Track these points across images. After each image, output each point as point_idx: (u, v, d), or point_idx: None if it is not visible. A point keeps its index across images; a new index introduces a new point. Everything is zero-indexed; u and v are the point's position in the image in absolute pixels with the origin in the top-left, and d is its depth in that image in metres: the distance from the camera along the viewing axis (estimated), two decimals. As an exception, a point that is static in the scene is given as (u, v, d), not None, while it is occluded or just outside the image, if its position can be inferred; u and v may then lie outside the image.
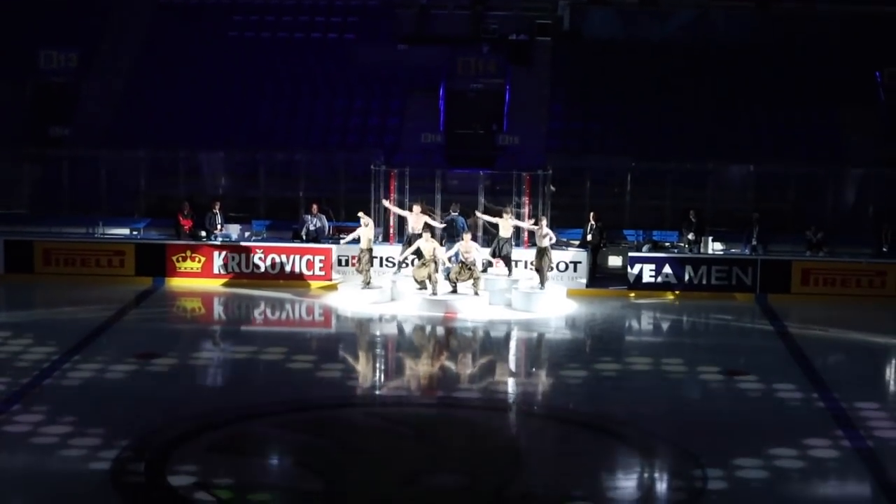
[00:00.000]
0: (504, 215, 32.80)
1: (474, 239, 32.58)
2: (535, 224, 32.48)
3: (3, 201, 39.78)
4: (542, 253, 31.95)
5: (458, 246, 31.78)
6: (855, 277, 33.99)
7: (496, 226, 32.86)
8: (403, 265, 33.14)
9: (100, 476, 18.42)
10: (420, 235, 31.89)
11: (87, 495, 17.74)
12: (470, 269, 31.38)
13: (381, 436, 21.23)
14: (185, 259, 34.46)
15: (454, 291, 31.62)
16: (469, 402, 23.75)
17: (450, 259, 32.28)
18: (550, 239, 32.08)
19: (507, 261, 32.95)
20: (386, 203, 34.11)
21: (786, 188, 39.00)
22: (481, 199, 34.54)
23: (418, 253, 32.00)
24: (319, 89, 44.71)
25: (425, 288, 31.57)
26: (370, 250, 32.39)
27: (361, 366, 27.25)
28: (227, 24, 47.48)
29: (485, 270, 32.60)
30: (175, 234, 36.07)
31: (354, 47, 46.33)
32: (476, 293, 31.51)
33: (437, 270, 31.44)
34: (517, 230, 33.60)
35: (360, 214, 32.55)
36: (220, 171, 40.14)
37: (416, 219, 32.65)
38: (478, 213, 33.68)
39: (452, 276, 31.56)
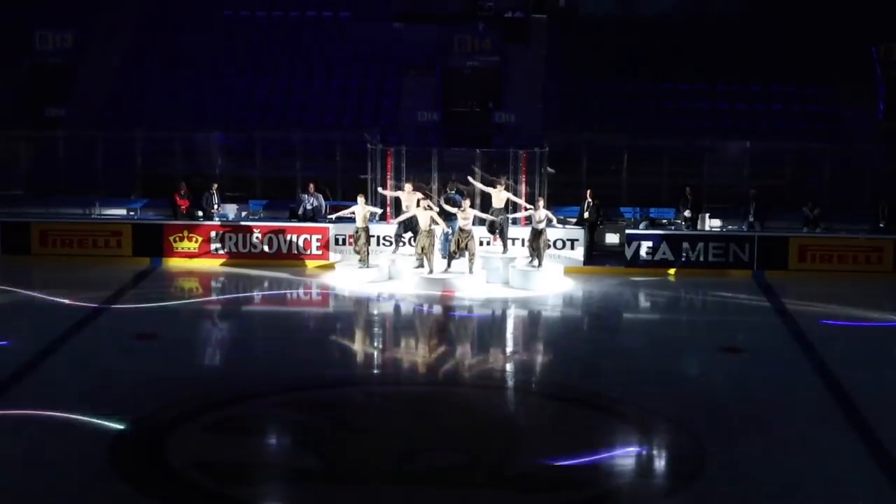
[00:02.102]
0: (497, 186, 32.78)
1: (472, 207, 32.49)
2: (531, 206, 32.41)
3: (0, 182, 39.75)
4: (538, 232, 31.91)
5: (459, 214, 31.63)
6: (852, 253, 34.01)
7: (489, 195, 32.83)
8: (401, 243, 33.17)
9: (99, 457, 18.44)
10: (414, 214, 31.90)
11: (86, 476, 17.75)
12: (468, 235, 31.19)
13: (380, 415, 21.25)
14: (182, 239, 34.46)
15: (454, 258, 31.46)
16: (468, 381, 23.78)
17: (446, 235, 32.32)
18: (550, 221, 32.06)
19: (503, 237, 32.95)
20: (381, 190, 34.08)
21: (783, 164, 39.00)
22: (476, 170, 34.43)
23: (413, 228, 32.04)
24: (315, 68, 44.67)
25: (423, 258, 31.42)
26: (367, 229, 32.36)
27: (359, 345, 27.28)
28: (222, 3, 47.40)
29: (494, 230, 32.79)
30: (172, 214, 36.05)
31: (350, 26, 46.27)
32: (471, 271, 31.49)
33: (432, 245, 31.34)
34: (511, 202, 33.44)
35: (360, 196, 32.58)
36: (217, 151, 40.10)
37: (408, 197, 32.66)
38: (472, 181, 33.59)
39: (453, 246, 31.48)
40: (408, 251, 32.90)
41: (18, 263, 33.85)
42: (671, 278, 33.68)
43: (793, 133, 40.28)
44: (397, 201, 33.97)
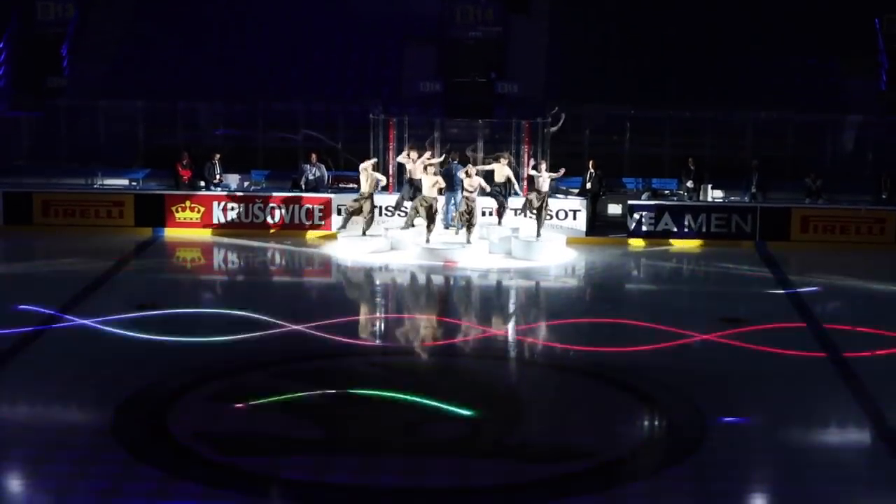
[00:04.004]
0: (501, 160, 32.69)
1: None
2: (535, 169, 32.37)
3: (2, 153, 39.71)
4: (541, 198, 31.84)
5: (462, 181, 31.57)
6: (854, 224, 34.01)
7: (492, 174, 32.70)
8: (411, 225, 32.97)
9: (101, 425, 18.48)
10: (419, 180, 31.85)
11: (87, 445, 17.80)
12: (470, 206, 31.14)
13: (381, 385, 21.27)
14: (184, 209, 34.44)
15: (468, 222, 31.35)
16: (470, 351, 23.79)
17: (448, 206, 32.32)
18: (553, 180, 32.10)
19: (501, 210, 32.89)
20: (398, 159, 33.75)
21: (785, 135, 38.96)
22: (478, 147, 34.38)
23: (415, 197, 32.07)
24: (317, 38, 44.54)
25: (416, 218, 31.38)
26: (371, 196, 32.32)
27: (362, 315, 27.29)
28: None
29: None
30: (174, 184, 36.04)
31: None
32: (468, 241, 31.44)
33: (434, 215, 31.28)
34: (513, 177, 33.39)
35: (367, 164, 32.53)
36: (219, 121, 40.06)
37: (412, 163, 32.61)
38: (476, 177, 33.06)
39: (460, 211, 31.39)
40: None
41: (21, 234, 33.82)
42: (673, 249, 33.69)
43: (795, 104, 40.18)
44: (400, 169, 33.89)
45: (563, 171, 32.98)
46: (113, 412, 19.02)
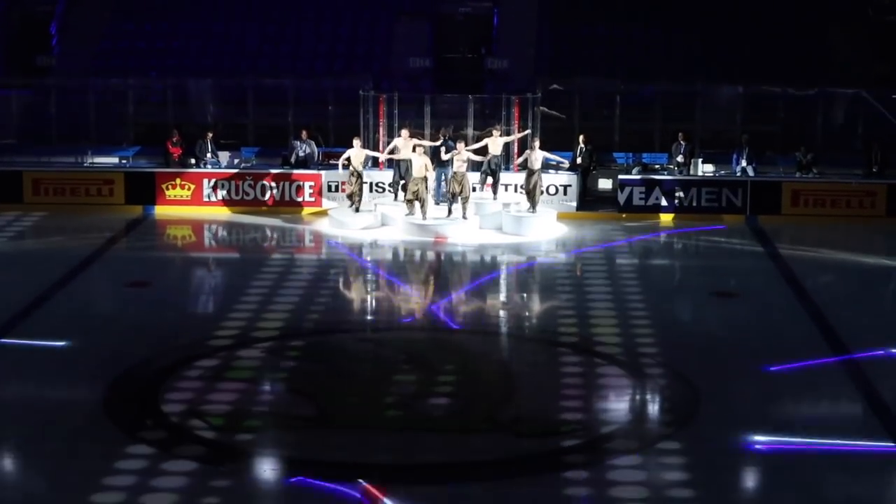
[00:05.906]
0: (494, 133, 32.64)
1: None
2: (529, 147, 32.34)
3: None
4: (532, 175, 31.84)
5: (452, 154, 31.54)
6: (845, 198, 33.99)
7: (485, 149, 32.63)
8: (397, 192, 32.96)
9: (93, 404, 18.49)
10: (409, 161, 31.79)
11: (80, 424, 17.81)
12: (460, 182, 31.08)
13: (372, 361, 21.31)
14: (174, 187, 34.38)
15: (454, 202, 31.30)
16: (461, 327, 23.81)
17: (439, 181, 32.31)
18: (548, 161, 32.13)
19: (495, 184, 32.86)
20: (381, 157, 33.71)
21: (775, 109, 38.90)
22: (468, 128, 34.33)
23: (404, 175, 31.98)
24: (306, 14, 44.40)
25: (412, 205, 31.31)
26: (361, 174, 32.28)
27: (352, 291, 27.30)
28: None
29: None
30: (164, 162, 35.95)
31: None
32: (464, 216, 31.43)
33: (426, 190, 31.23)
34: (507, 148, 33.39)
35: (355, 139, 32.49)
36: (209, 98, 39.91)
37: (405, 144, 32.54)
38: (465, 152, 32.85)
39: (452, 189, 31.32)
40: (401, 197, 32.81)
41: (11, 212, 33.73)
42: (663, 223, 33.68)
43: (785, 78, 40.09)
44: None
45: (566, 163, 33.24)
46: (105, 388, 19.04)
